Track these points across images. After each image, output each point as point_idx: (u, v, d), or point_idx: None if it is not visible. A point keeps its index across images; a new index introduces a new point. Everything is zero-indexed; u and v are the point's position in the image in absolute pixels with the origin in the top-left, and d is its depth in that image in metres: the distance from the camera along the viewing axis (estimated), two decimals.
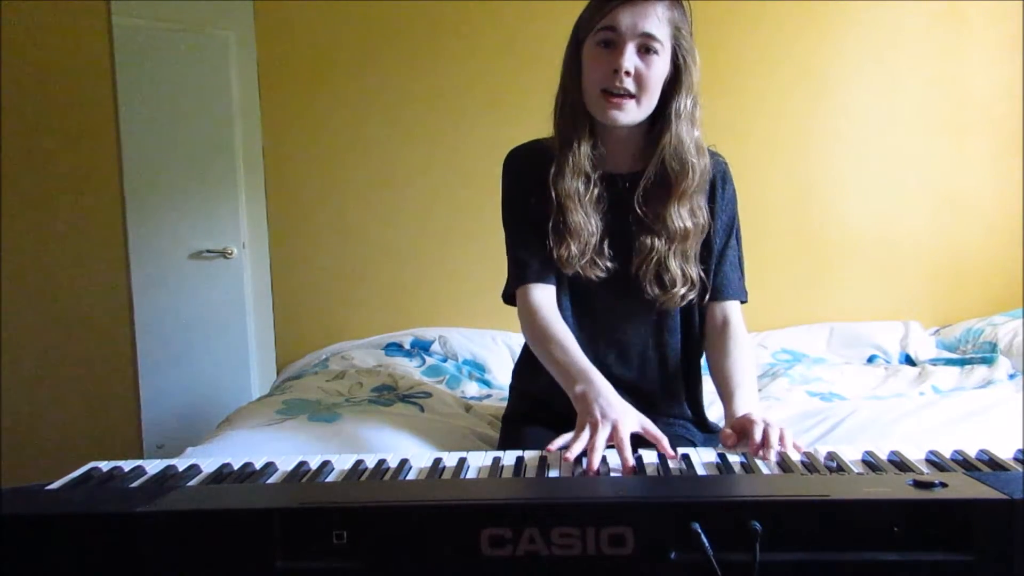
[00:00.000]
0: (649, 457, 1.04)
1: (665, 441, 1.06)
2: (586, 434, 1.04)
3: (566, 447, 1.04)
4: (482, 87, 2.58)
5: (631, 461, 1.00)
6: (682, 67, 1.24)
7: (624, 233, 1.29)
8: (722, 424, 1.25)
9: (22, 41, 2.37)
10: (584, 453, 1.02)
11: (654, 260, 1.27)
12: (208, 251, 3.11)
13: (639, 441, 1.08)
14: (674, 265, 1.27)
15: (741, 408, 1.19)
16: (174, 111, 3.00)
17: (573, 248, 1.26)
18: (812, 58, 2.60)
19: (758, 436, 1.04)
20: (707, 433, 1.37)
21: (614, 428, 1.05)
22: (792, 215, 2.64)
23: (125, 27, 2.61)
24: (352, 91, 2.58)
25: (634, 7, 1.18)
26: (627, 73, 1.19)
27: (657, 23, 1.20)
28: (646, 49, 1.20)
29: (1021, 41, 2.53)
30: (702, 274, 1.31)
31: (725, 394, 1.26)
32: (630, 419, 1.08)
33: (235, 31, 3.01)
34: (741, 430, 1.10)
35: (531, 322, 1.29)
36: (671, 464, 1.01)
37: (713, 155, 1.33)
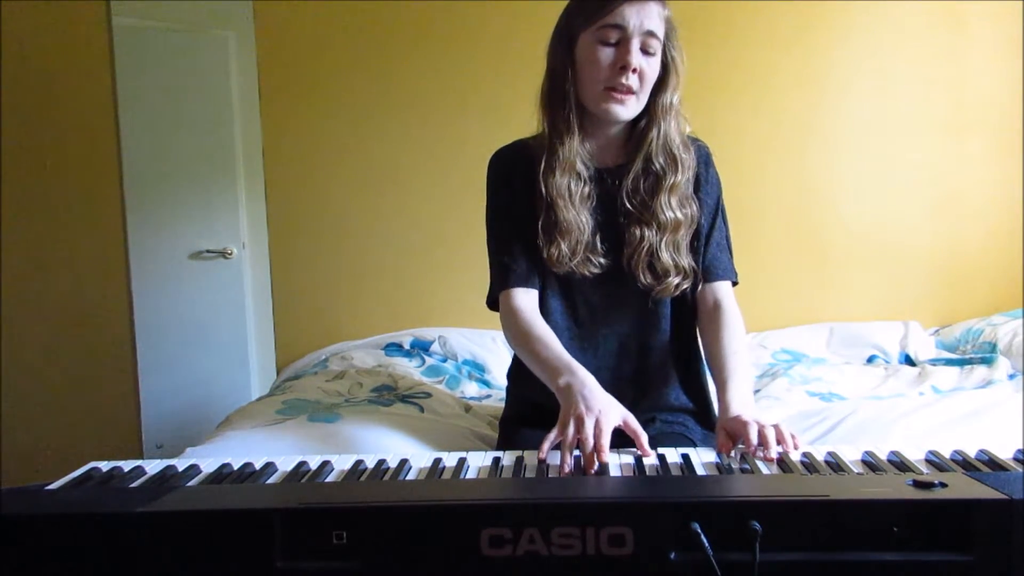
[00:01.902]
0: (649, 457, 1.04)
1: (644, 438, 1.06)
2: (571, 431, 1.04)
3: (558, 446, 1.04)
4: (482, 87, 2.58)
5: (606, 454, 1.01)
6: (671, 64, 1.26)
7: (614, 226, 1.30)
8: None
9: (22, 41, 2.37)
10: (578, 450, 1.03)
11: (645, 249, 1.28)
12: (208, 251, 3.11)
13: (622, 439, 1.08)
14: (665, 255, 1.28)
15: (732, 401, 1.19)
16: (174, 111, 2.99)
17: (564, 247, 1.26)
18: (812, 58, 2.60)
19: (754, 438, 1.04)
20: (708, 430, 1.36)
21: (598, 420, 1.05)
22: (792, 215, 2.64)
23: (125, 27, 2.61)
24: (351, 91, 2.58)
25: (640, 5, 1.19)
26: (634, 70, 1.20)
27: (658, 21, 1.21)
28: (647, 47, 1.21)
29: (1021, 41, 2.53)
30: (694, 264, 1.32)
31: (718, 383, 1.26)
32: (614, 412, 1.08)
33: (235, 31, 3.00)
34: (734, 433, 1.10)
35: (513, 324, 1.30)
36: (671, 463, 1.01)
37: (694, 141, 1.34)
